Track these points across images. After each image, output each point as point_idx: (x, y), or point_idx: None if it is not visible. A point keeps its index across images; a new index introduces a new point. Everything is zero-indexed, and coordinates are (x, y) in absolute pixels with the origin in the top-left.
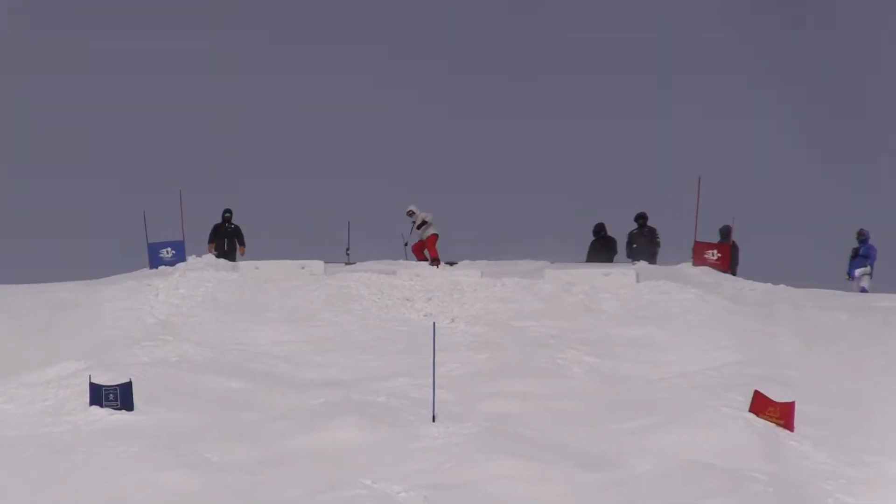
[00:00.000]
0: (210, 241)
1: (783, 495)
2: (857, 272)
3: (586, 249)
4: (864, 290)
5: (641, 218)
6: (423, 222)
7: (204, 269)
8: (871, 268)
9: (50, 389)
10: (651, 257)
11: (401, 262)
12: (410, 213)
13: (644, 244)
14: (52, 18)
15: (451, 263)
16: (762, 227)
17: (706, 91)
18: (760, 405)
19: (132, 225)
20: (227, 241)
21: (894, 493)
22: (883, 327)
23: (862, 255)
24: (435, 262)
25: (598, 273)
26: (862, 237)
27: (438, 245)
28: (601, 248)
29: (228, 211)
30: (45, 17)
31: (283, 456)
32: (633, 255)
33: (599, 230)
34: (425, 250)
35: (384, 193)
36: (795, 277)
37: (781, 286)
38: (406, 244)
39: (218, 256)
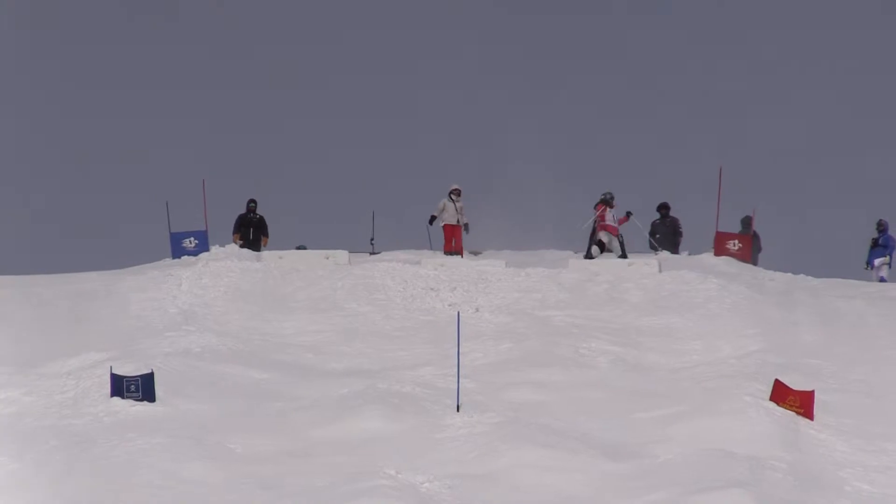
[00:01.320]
0: (235, 232)
1: (802, 483)
2: (877, 262)
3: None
4: (883, 280)
5: (664, 208)
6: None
7: (227, 258)
8: (891, 257)
9: (71, 380)
10: (673, 247)
11: (425, 251)
12: (458, 192)
13: (666, 234)
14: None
15: (476, 253)
16: (783, 217)
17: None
18: (781, 394)
19: (155, 214)
20: (251, 231)
21: None
22: None
23: (881, 244)
24: (459, 253)
25: (621, 263)
26: (881, 227)
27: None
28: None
29: (253, 201)
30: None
31: (307, 446)
32: (656, 245)
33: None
34: (453, 240)
35: (408, 184)
36: (816, 267)
37: (802, 276)
38: (432, 222)
39: (242, 247)
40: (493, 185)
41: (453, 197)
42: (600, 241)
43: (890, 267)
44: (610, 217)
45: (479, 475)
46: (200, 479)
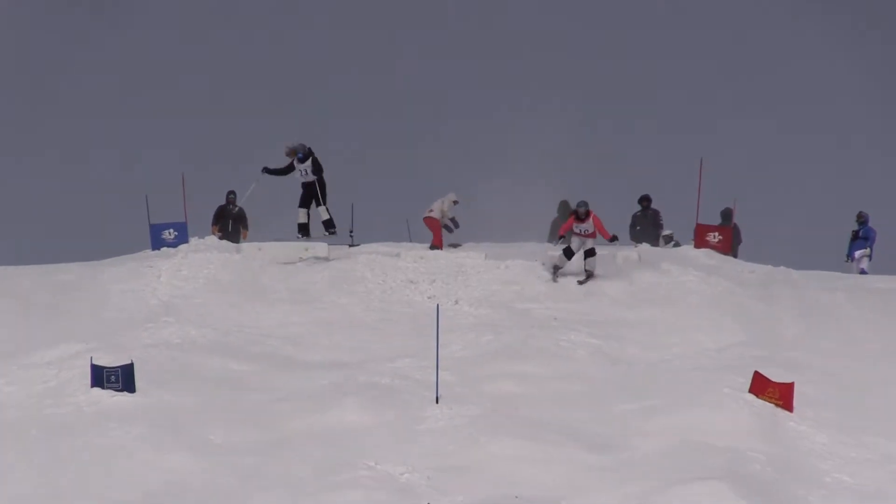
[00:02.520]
0: (213, 224)
1: (782, 475)
2: (857, 254)
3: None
4: (863, 272)
5: (645, 200)
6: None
7: (207, 250)
8: (871, 250)
9: (51, 371)
10: (654, 240)
11: (404, 244)
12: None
13: (647, 227)
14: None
15: (455, 245)
16: (763, 210)
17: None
18: (760, 386)
19: (134, 206)
20: (230, 223)
21: (892, 474)
22: (882, 309)
23: (862, 237)
24: (438, 247)
25: (601, 255)
26: (862, 219)
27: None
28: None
29: (232, 193)
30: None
31: (286, 438)
32: (637, 238)
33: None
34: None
35: (387, 176)
36: (796, 260)
37: (782, 268)
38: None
39: (221, 238)
40: (473, 176)
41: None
42: (568, 248)
43: (871, 259)
44: (579, 230)
45: (458, 467)
46: (180, 470)
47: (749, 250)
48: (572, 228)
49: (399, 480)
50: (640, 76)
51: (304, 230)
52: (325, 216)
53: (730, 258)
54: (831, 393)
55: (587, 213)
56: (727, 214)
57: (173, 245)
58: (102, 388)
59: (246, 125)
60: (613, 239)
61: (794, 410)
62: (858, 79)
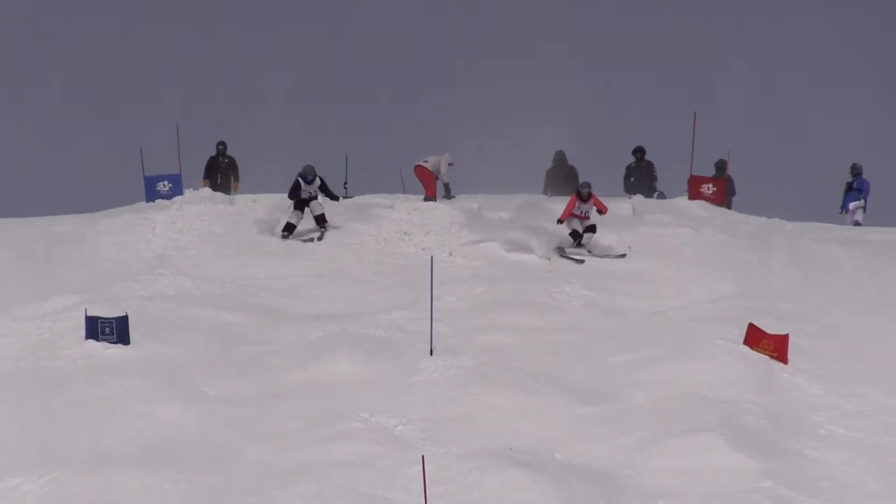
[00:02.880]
0: (205, 177)
1: (776, 427)
2: (851, 206)
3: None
4: (857, 224)
5: (639, 152)
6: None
7: (201, 202)
8: (865, 201)
9: (46, 323)
10: (648, 192)
11: (398, 195)
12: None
13: (641, 178)
14: None
15: (449, 197)
16: (757, 162)
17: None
18: (755, 338)
19: (129, 158)
20: (221, 175)
21: (886, 425)
22: (876, 260)
23: (856, 188)
24: (432, 199)
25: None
26: (856, 171)
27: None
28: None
29: (222, 143)
30: None
31: (280, 389)
32: (631, 189)
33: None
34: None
35: (382, 128)
36: (790, 211)
37: (776, 220)
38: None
39: (214, 191)
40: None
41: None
42: (574, 231)
43: (865, 211)
44: (579, 211)
45: (452, 418)
46: (174, 422)
47: (743, 202)
48: (574, 208)
49: (393, 432)
50: (637, 27)
51: (289, 229)
52: (320, 211)
53: (724, 210)
54: (826, 345)
55: (590, 195)
56: (721, 166)
57: (168, 197)
58: (97, 340)
59: (244, 71)
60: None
61: (789, 362)
62: (853, 33)
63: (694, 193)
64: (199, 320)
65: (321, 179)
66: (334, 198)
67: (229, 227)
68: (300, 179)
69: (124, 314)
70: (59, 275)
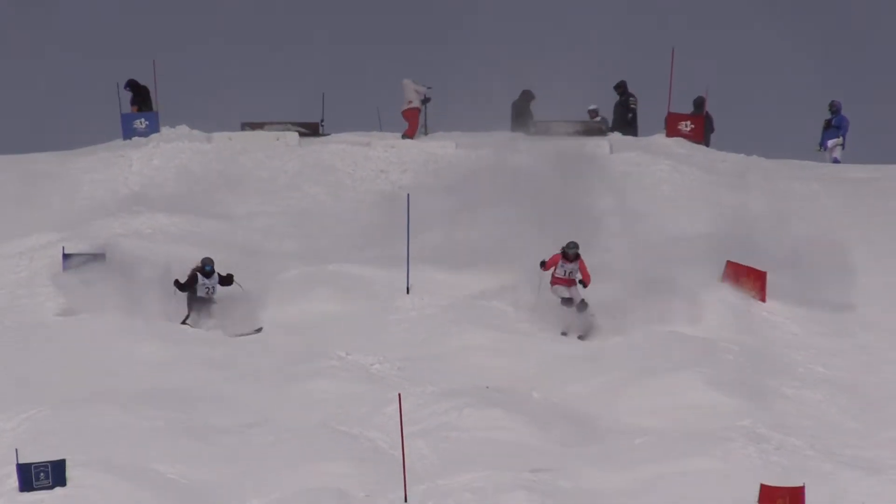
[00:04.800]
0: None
1: (755, 365)
2: (830, 143)
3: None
4: (836, 161)
5: (620, 87)
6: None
7: (178, 140)
8: (844, 139)
9: (23, 261)
10: (629, 128)
11: (375, 133)
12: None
13: (623, 114)
14: None
15: (425, 134)
16: (736, 99)
17: None
18: (733, 275)
19: (106, 95)
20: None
21: (865, 364)
22: (856, 198)
23: (834, 125)
24: (409, 137)
25: (572, 144)
26: (834, 108)
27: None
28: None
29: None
30: None
31: (254, 326)
32: (613, 126)
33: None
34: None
35: (359, 65)
36: (768, 148)
37: (754, 157)
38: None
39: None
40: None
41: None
42: (563, 299)
43: (843, 148)
44: (562, 272)
45: (429, 356)
46: (153, 360)
47: (721, 139)
48: (556, 266)
49: (370, 370)
50: None
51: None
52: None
53: (702, 147)
54: (805, 283)
55: (576, 256)
56: (699, 103)
57: (144, 135)
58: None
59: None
60: (583, 284)
61: (767, 300)
62: None
63: (672, 130)
64: (176, 258)
65: (219, 274)
66: (229, 283)
67: (206, 164)
68: (199, 274)
69: (102, 251)
70: (36, 213)
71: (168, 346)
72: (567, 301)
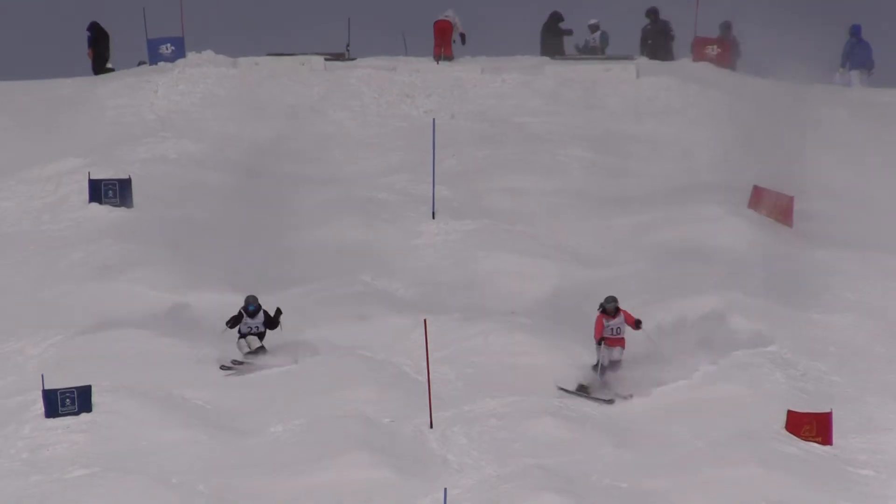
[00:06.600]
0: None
1: (783, 287)
2: (853, 67)
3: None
4: (853, 85)
5: (653, 13)
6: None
7: (203, 65)
8: (869, 63)
9: (49, 186)
10: (666, 53)
11: (401, 58)
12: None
13: (658, 39)
14: None
15: (449, 59)
16: (763, 22)
17: None
18: (760, 200)
19: (132, 20)
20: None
21: (893, 288)
22: (883, 123)
23: (858, 50)
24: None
25: (598, 69)
26: (855, 33)
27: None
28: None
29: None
30: None
31: (282, 252)
32: (650, 53)
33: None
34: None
35: None
36: (796, 73)
37: (782, 82)
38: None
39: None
40: None
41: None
42: (611, 361)
43: (869, 73)
44: (609, 331)
45: (453, 282)
46: (176, 286)
47: (749, 64)
48: (603, 329)
49: (395, 295)
50: None
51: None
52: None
53: (729, 72)
54: (832, 207)
55: (616, 310)
56: (726, 27)
57: (171, 60)
58: (100, 203)
59: None
60: (638, 323)
61: (794, 225)
62: None
63: (698, 55)
64: (202, 184)
65: (265, 313)
66: (274, 326)
67: (232, 89)
68: (243, 312)
69: (128, 177)
70: (61, 138)
71: (191, 274)
72: (614, 364)
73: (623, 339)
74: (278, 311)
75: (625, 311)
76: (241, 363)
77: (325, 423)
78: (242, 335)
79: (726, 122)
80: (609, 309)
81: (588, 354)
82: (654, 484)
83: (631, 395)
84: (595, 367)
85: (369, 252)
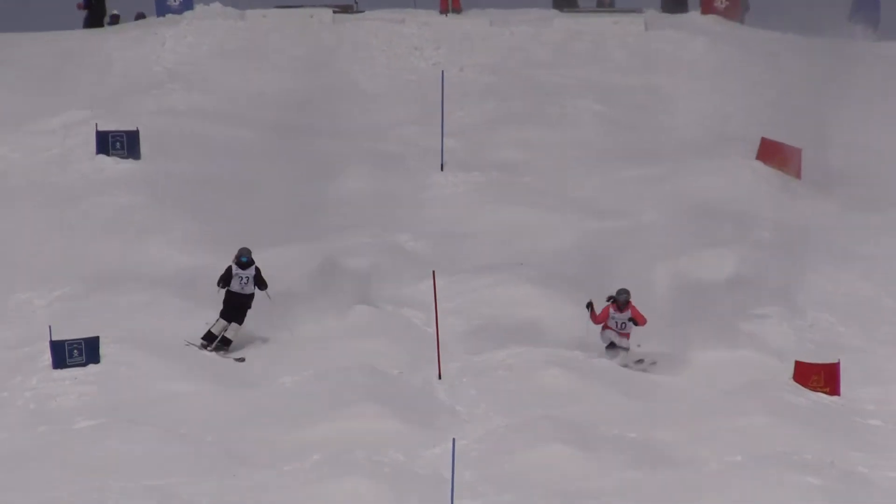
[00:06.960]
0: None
1: (790, 242)
2: (861, 19)
3: None
4: (864, 37)
5: None
6: None
7: (212, 17)
8: (874, 20)
9: (57, 138)
10: (682, 8)
11: (409, 10)
12: None
13: None
14: None
15: (458, 12)
16: None
17: None
18: (768, 152)
19: None
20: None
21: None
22: (889, 75)
23: (865, 5)
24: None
25: (606, 21)
26: None
27: None
28: None
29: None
30: None
31: (288, 204)
32: (666, 6)
33: None
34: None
35: None
36: (804, 26)
37: (790, 35)
38: None
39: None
40: None
41: None
42: (612, 343)
43: (877, 26)
44: (614, 323)
45: (462, 234)
46: (185, 240)
47: (757, 17)
48: (608, 318)
49: (404, 247)
50: None
51: (210, 338)
52: (232, 335)
53: (737, 25)
54: (842, 161)
55: (627, 303)
56: None
57: (178, 11)
58: (108, 154)
59: None
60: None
61: (803, 177)
62: None
63: (707, 8)
64: (210, 136)
65: (257, 269)
66: (263, 287)
67: (240, 42)
68: (234, 265)
69: (135, 129)
70: (68, 90)
71: (200, 222)
72: (613, 348)
73: (628, 335)
74: (264, 283)
75: (634, 308)
76: (205, 346)
77: (334, 375)
78: (231, 292)
79: (734, 74)
80: (620, 301)
81: (596, 305)
82: (663, 434)
83: (655, 363)
84: (607, 347)
85: (378, 203)
